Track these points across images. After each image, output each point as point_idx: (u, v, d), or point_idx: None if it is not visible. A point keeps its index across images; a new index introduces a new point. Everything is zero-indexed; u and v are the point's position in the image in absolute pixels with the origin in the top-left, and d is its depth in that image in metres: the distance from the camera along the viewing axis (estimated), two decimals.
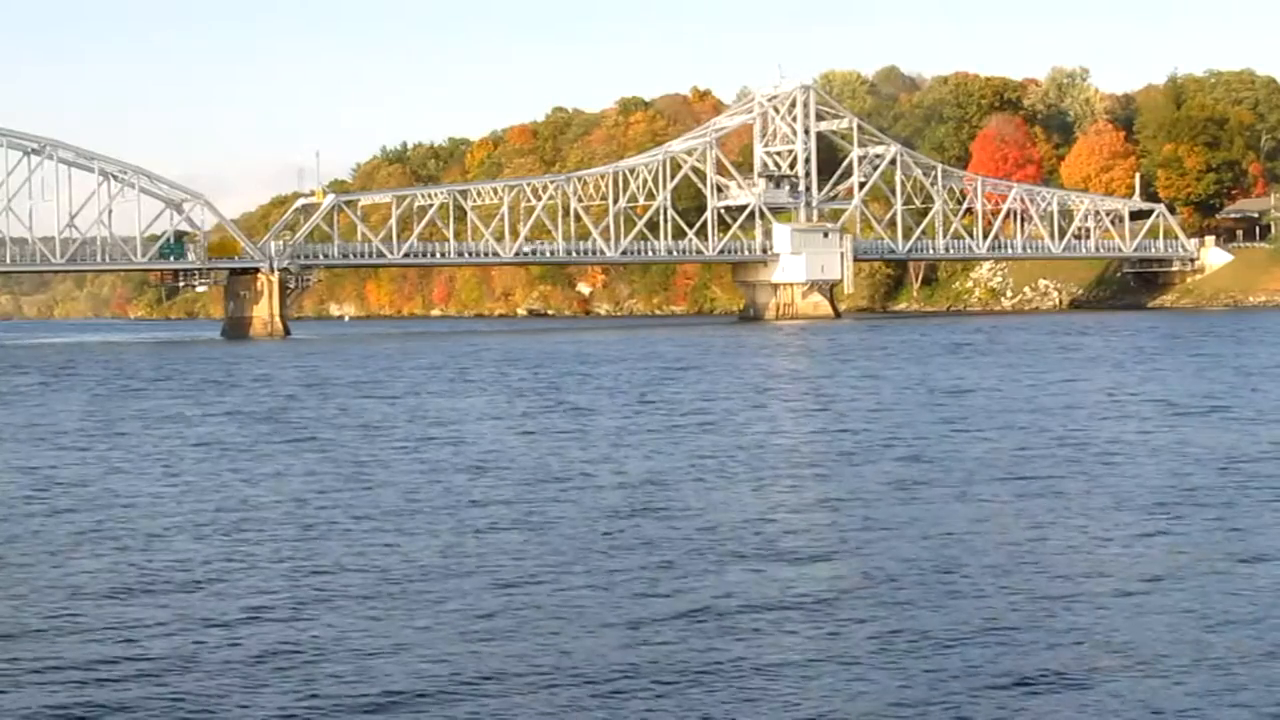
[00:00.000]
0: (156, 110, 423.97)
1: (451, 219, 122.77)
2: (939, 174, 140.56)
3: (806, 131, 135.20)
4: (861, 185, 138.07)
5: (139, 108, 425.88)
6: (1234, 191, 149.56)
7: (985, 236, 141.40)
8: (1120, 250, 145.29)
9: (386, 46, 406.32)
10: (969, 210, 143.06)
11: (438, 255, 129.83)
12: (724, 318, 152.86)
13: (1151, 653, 14.05)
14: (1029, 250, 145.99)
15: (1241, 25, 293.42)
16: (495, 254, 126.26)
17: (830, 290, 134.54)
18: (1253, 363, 56.70)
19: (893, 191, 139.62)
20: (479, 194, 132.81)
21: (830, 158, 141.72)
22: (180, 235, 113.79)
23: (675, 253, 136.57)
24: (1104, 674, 13.40)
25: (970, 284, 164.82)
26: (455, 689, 13.29)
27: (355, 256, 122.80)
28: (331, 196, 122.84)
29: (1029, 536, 20.22)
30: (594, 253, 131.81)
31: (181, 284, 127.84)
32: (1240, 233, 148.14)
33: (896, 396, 44.93)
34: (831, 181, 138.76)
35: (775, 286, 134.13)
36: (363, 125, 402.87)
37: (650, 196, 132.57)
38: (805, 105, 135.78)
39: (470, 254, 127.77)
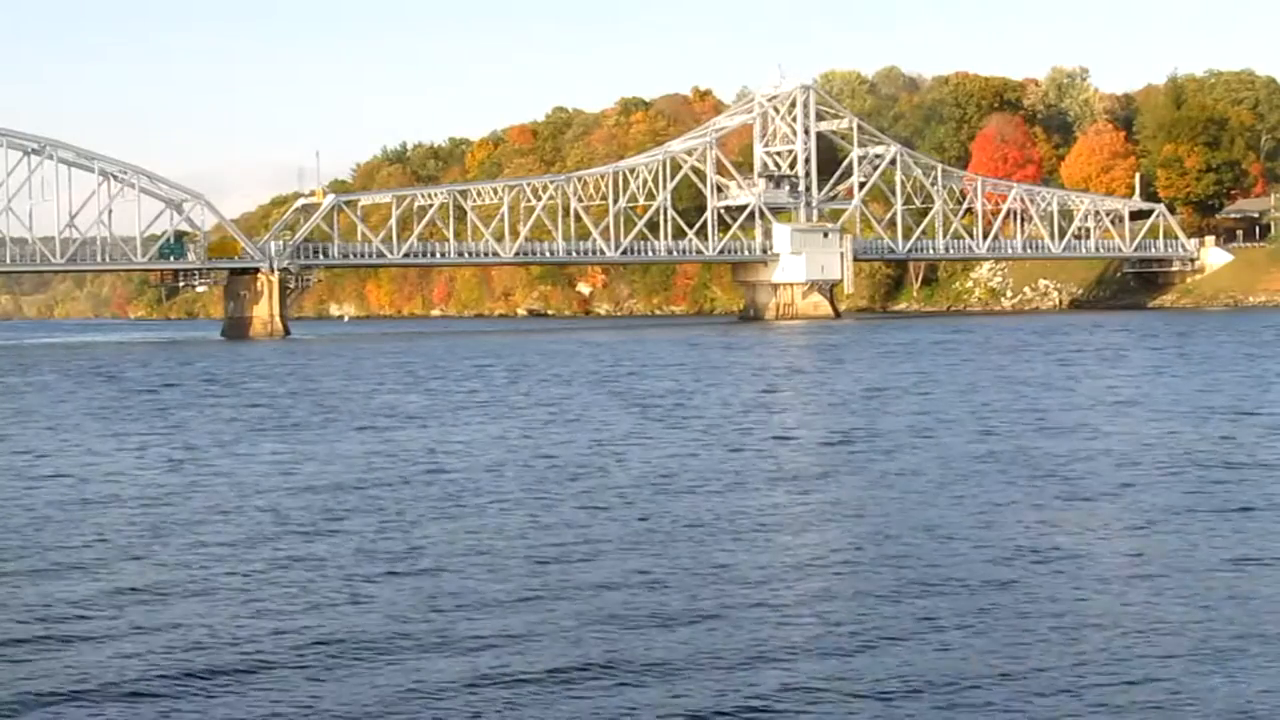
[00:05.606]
0: (156, 110, 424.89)
1: (451, 219, 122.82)
2: (939, 174, 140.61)
3: (806, 131, 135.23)
4: (861, 185, 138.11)
5: (139, 108, 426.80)
6: (1234, 191, 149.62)
7: (985, 236, 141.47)
8: (1120, 250, 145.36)
9: (386, 46, 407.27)
10: (969, 210, 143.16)
11: (438, 255, 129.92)
12: (724, 318, 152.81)
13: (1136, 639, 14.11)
14: (1029, 250, 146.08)
15: (1241, 25, 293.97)
16: (495, 254, 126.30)
17: (830, 290, 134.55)
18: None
19: (893, 191, 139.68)
20: (479, 194, 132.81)
21: (830, 158, 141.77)
22: (180, 235, 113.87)
23: (675, 253, 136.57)
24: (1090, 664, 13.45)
25: (970, 284, 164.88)
26: (455, 684, 13.34)
27: (355, 256, 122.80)
28: (331, 196, 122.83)
29: (1012, 528, 20.31)
30: (594, 253, 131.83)
31: (181, 284, 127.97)
32: (1240, 233, 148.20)
33: (881, 394, 45.02)
34: (831, 181, 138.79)
35: (775, 286, 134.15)
36: (363, 125, 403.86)
37: (650, 196, 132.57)
38: (805, 105, 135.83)
39: (470, 254, 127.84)
